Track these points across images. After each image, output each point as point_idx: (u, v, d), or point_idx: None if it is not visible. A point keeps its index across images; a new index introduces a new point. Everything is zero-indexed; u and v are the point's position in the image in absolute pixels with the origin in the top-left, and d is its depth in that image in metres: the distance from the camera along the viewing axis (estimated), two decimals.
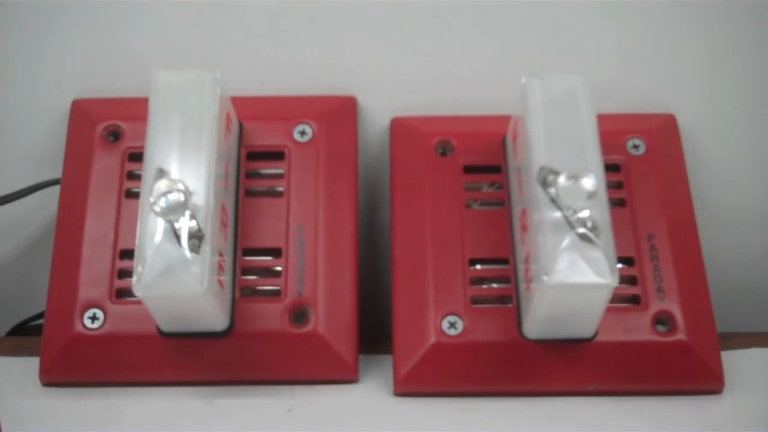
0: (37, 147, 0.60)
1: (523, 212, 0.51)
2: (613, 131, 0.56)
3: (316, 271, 0.53)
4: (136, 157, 0.55)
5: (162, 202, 0.45)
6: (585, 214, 0.46)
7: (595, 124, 0.49)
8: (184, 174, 0.47)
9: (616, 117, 0.57)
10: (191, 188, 0.46)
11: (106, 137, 0.56)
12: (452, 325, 0.52)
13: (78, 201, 0.55)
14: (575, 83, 0.50)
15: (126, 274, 0.53)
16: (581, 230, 0.46)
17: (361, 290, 0.54)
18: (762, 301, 0.65)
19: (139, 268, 0.45)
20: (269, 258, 0.54)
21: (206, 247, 0.46)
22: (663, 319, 0.52)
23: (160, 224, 0.46)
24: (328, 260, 0.53)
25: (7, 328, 0.63)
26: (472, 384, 0.52)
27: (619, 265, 0.47)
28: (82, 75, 0.58)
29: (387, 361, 0.53)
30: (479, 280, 0.53)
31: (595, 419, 0.51)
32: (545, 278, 0.45)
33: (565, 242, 0.45)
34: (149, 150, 0.48)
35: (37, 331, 0.54)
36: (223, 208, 0.51)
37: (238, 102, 0.54)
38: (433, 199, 0.55)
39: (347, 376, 0.53)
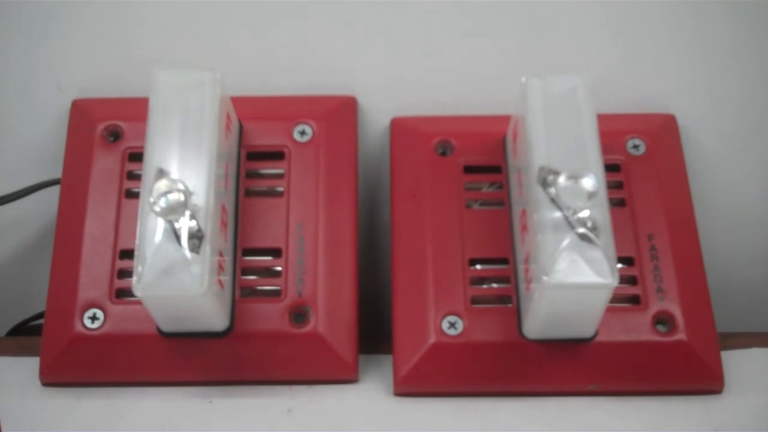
0: (37, 147, 0.60)
1: (523, 212, 0.51)
2: (613, 131, 0.56)
3: (316, 271, 0.53)
4: (136, 157, 0.55)
5: (162, 202, 0.45)
6: (585, 214, 0.46)
7: (595, 124, 0.49)
8: (184, 174, 0.47)
9: (616, 117, 0.57)
10: (191, 188, 0.46)
11: (106, 137, 0.56)
12: (452, 325, 0.52)
13: (78, 201, 0.55)
14: (575, 83, 0.50)
15: (126, 274, 0.53)
16: (581, 230, 0.46)
17: (361, 290, 0.54)
18: (762, 301, 0.65)
19: (139, 268, 0.45)
20: (269, 258, 0.54)
21: (206, 247, 0.46)
22: (663, 319, 0.52)
23: (160, 224, 0.46)
24: (328, 260, 0.53)
25: (7, 328, 0.63)
26: (472, 384, 0.52)
27: (619, 265, 0.47)
28: (82, 75, 0.58)
29: (387, 361, 0.53)
30: (479, 280, 0.53)
31: (595, 419, 0.51)
32: (545, 278, 0.45)
33: (565, 242, 0.45)
34: (149, 150, 0.48)
35: (37, 331, 0.54)
36: (223, 208, 0.51)
37: (238, 102, 0.54)
38: (433, 199, 0.55)
39: (347, 376, 0.53)
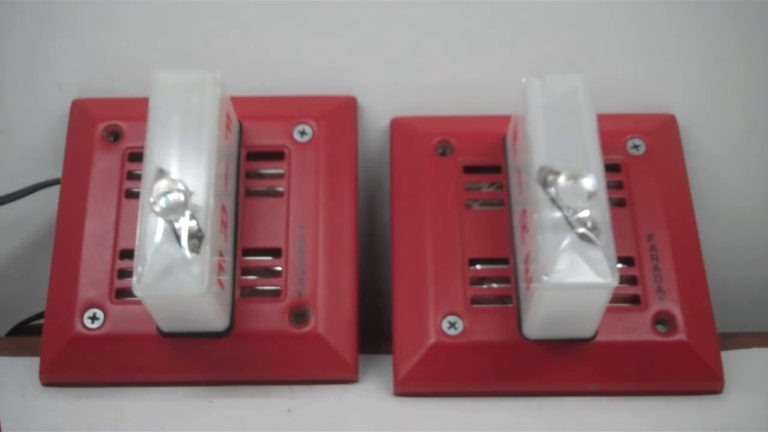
0: (37, 147, 0.60)
1: (523, 212, 0.51)
2: (613, 131, 0.56)
3: (316, 271, 0.53)
4: (136, 157, 0.55)
5: (162, 202, 0.45)
6: (585, 214, 0.46)
7: (595, 124, 0.49)
8: (184, 174, 0.47)
9: (616, 117, 0.57)
10: (191, 188, 0.46)
11: (106, 137, 0.56)
12: (452, 325, 0.52)
13: (78, 201, 0.55)
14: (575, 83, 0.50)
15: (126, 274, 0.53)
16: (581, 230, 0.46)
17: (361, 290, 0.54)
18: (762, 301, 0.65)
19: (139, 268, 0.45)
20: (269, 258, 0.54)
21: (206, 247, 0.46)
22: (663, 319, 0.52)
23: (160, 224, 0.46)
24: (328, 260, 0.53)
25: (7, 328, 0.63)
26: (472, 384, 0.52)
27: (619, 265, 0.47)
28: (82, 75, 0.58)
29: (387, 361, 0.53)
30: (479, 280, 0.53)
31: (595, 419, 0.51)
32: (545, 278, 0.45)
33: (565, 242, 0.45)
34: (149, 150, 0.48)
35: (37, 331, 0.54)
36: (223, 208, 0.51)
37: (238, 102, 0.54)
38: (433, 198, 0.55)
39: (347, 376, 0.53)
